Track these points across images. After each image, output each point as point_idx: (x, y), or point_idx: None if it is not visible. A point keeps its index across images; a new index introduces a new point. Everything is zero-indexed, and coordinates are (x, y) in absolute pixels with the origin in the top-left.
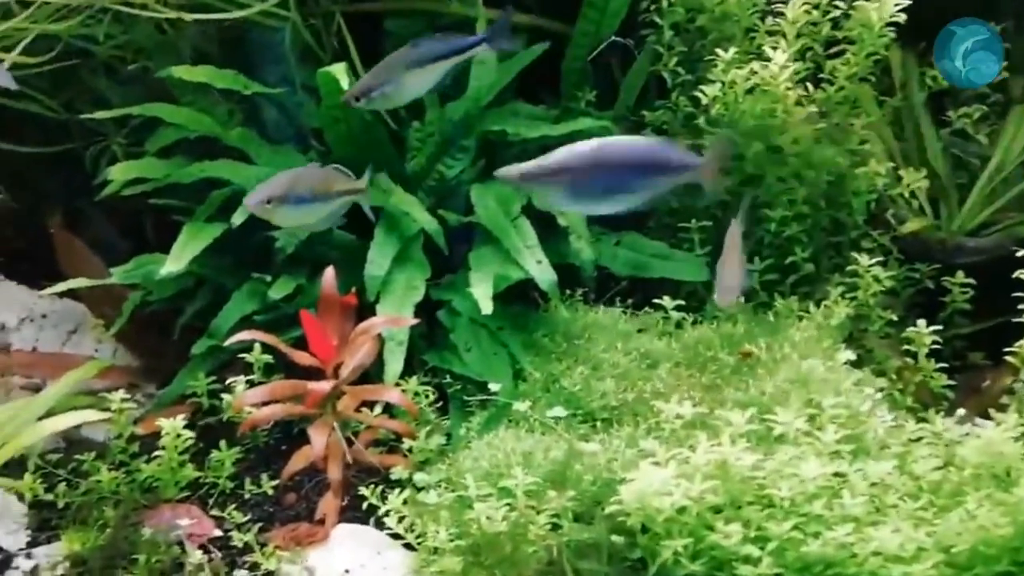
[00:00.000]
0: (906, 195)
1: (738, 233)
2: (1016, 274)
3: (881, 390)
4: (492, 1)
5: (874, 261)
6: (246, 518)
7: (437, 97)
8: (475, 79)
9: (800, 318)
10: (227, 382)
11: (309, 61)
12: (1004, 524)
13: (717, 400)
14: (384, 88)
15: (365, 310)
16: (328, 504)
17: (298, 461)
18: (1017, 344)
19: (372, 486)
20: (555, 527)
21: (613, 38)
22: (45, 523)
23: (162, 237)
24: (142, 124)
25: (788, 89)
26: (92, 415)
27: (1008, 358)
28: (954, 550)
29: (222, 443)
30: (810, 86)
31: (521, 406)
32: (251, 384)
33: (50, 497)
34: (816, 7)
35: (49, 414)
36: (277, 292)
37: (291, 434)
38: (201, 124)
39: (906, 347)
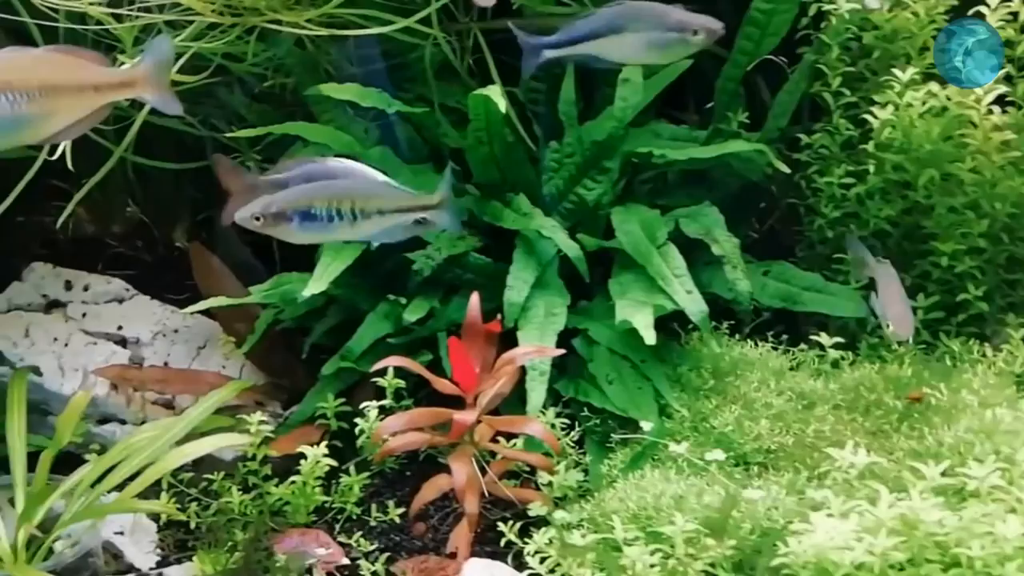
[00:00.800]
0: None
1: (893, 272)
2: None
3: None
4: None
5: None
6: (373, 546)
7: (576, 117)
8: (620, 98)
9: (977, 362)
10: (361, 406)
11: (446, 79)
12: None
13: (886, 448)
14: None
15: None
16: (461, 537)
17: (430, 491)
18: None
19: (509, 522)
20: None
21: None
22: (177, 543)
23: (288, 254)
24: (275, 141)
25: (988, 114)
26: (235, 439)
27: None
28: None
29: (350, 467)
30: (995, 108)
31: (677, 448)
32: (382, 409)
33: (181, 517)
34: (1014, 17)
35: (189, 435)
36: (412, 315)
37: (416, 459)
38: (342, 143)
39: None
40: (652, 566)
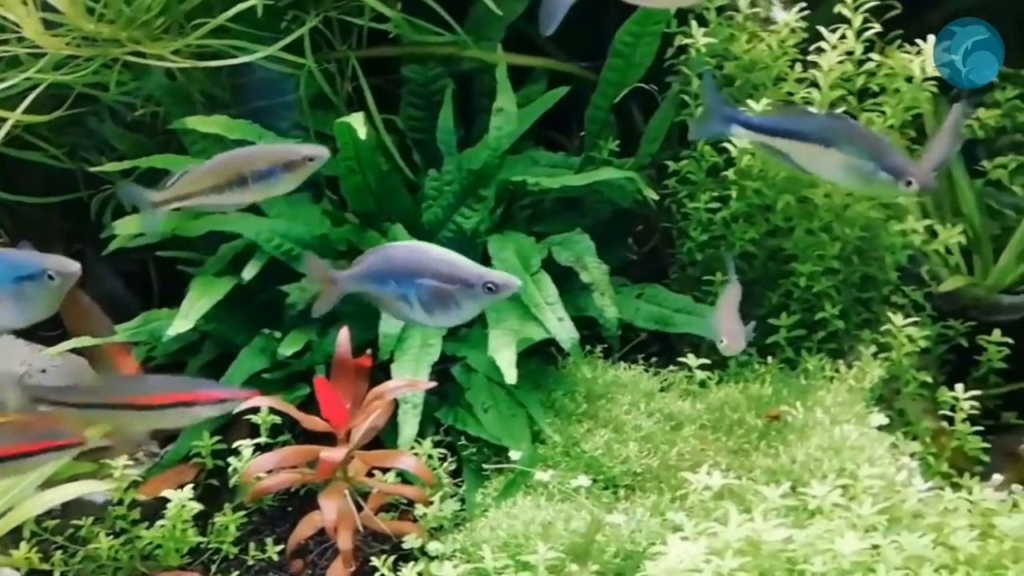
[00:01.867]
0: (941, 251)
1: (736, 291)
2: None
3: (914, 455)
4: (510, 46)
5: (909, 321)
6: None
7: (455, 145)
8: (495, 128)
9: (831, 379)
10: (234, 445)
11: (322, 107)
12: None
13: (745, 466)
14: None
15: (378, 368)
16: (338, 573)
17: (306, 528)
18: None
19: (384, 555)
20: None
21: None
22: None
23: (168, 286)
24: (149, 170)
25: None
26: (94, 485)
27: None
28: None
29: (226, 506)
30: None
31: (543, 475)
32: (258, 447)
33: (43, 566)
34: (850, 55)
35: (50, 481)
36: (287, 348)
37: (296, 495)
38: None
39: (941, 411)
40: None
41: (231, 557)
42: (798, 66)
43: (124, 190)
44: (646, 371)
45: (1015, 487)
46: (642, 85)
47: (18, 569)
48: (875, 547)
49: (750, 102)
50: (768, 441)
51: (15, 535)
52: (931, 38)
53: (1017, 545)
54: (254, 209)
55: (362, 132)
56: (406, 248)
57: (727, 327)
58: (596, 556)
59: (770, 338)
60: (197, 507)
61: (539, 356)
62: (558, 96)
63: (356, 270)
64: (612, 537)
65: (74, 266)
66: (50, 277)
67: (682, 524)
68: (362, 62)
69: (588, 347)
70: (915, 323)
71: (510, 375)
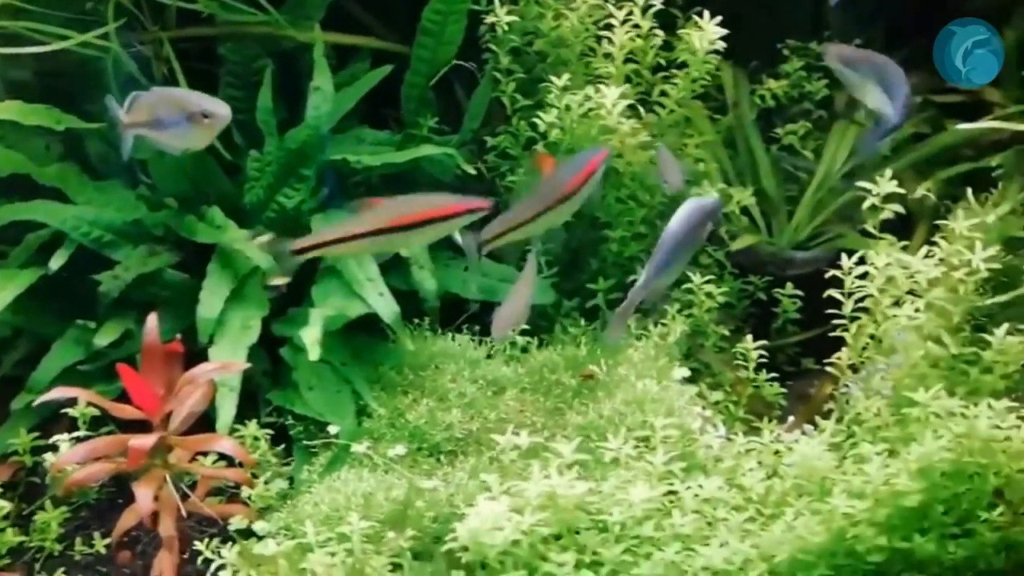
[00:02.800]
0: (737, 212)
1: (533, 266)
2: (829, 292)
3: (717, 404)
4: (329, 24)
5: (707, 278)
6: None
7: (275, 126)
8: (312, 107)
9: (639, 337)
10: (51, 440)
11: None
12: (820, 532)
13: (560, 424)
14: None
15: (200, 354)
16: (164, 561)
17: (129, 518)
18: (836, 355)
19: (208, 539)
20: (397, 567)
21: (455, 62)
22: None
23: None
24: None
25: (622, 118)
26: None
27: (829, 368)
28: (776, 559)
29: (47, 503)
30: (642, 109)
31: (359, 447)
32: (77, 440)
33: None
34: (639, 35)
35: None
36: (102, 339)
37: (125, 488)
38: (11, 162)
39: (738, 361)
40: (333, 567)
41: (56, 554)
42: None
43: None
44: (472, 340)
45: (807, 427)
46: (462, 63)
47: None
48: (671, 493)
49: (553, 78)
50: (581, 399)
51: None
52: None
53: (798, 482)
54: (59, 196)
55: None
56: None
57: (503, 312)
58: (415, 522)
59: (590, 302)
60: (7, 506)
61: (368, 332)
62: (380, 75)
63: None
64: (431, 502)
65: (225, 108)
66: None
67: (490, 485)
68: (180, 43)
69: (416, 320)
70: (712, 280)
71: (313, 352)
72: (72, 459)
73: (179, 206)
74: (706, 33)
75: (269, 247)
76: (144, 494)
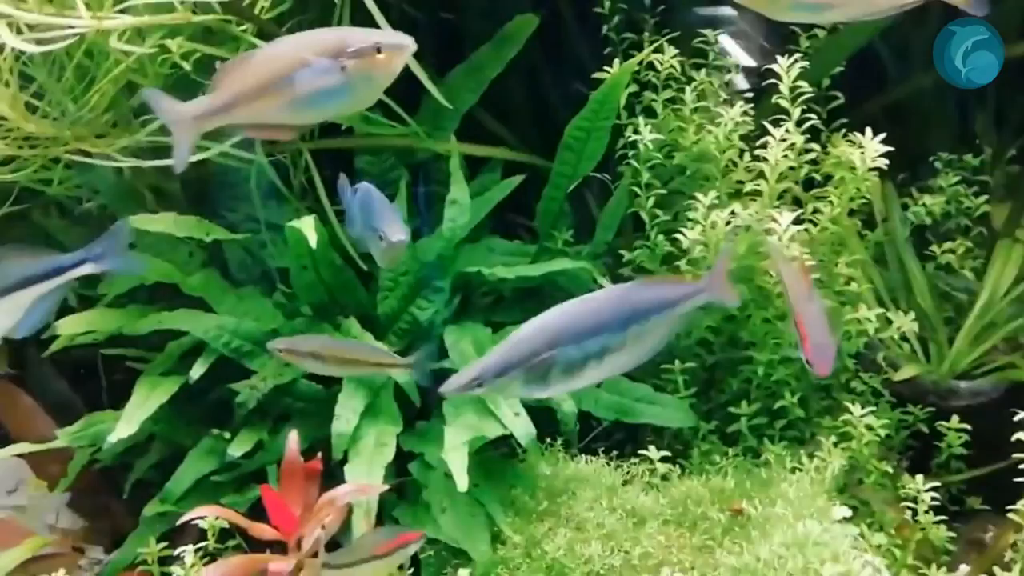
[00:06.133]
0: (896, 337)
1: (805, 273)
2: (1018, 436)
3: (879, 547)
4: (464, 135)
5: (867, 411)
6: None
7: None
8: (449, 219)
9: (793, 470)
10: (177, 551)
11: (275, 199)
12: None
13: (710, 564)
14: None
15: (334, 468)
16: None
17: None
18: (1021, 502)
19: None
20: None
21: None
22: None
23: (116, 384)
24: None
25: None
26: None
27: (1011, 515)
28: None
29: None
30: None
31: None
32: (205, 552)
33: None
34: (792, 147)
35: None
36: (236, 449)
37: None
38: (161, 271)
39: (904, 501)
40: None
41: None
42: (747, 156)
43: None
44: (607, 464)
45: None
46: (595, 174)
47: None
48: None
49: (698, 194)
50: (731, 537)
51: None
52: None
53: None
54: (202, 305)
55: (312, 239)
56: None
57: (815, 339)
58: None
59: (731, 426)
60: None
61: (498, 448)
62: (513, 185)
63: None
64: None
65: (407, 39)
66: (378, 50)
67: None
68: (315, 154)
69: (548, 440)
70: (873, 412)
71: (462, 482)
72: None
73: (314, 315)
74: (868, 150)
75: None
76: None
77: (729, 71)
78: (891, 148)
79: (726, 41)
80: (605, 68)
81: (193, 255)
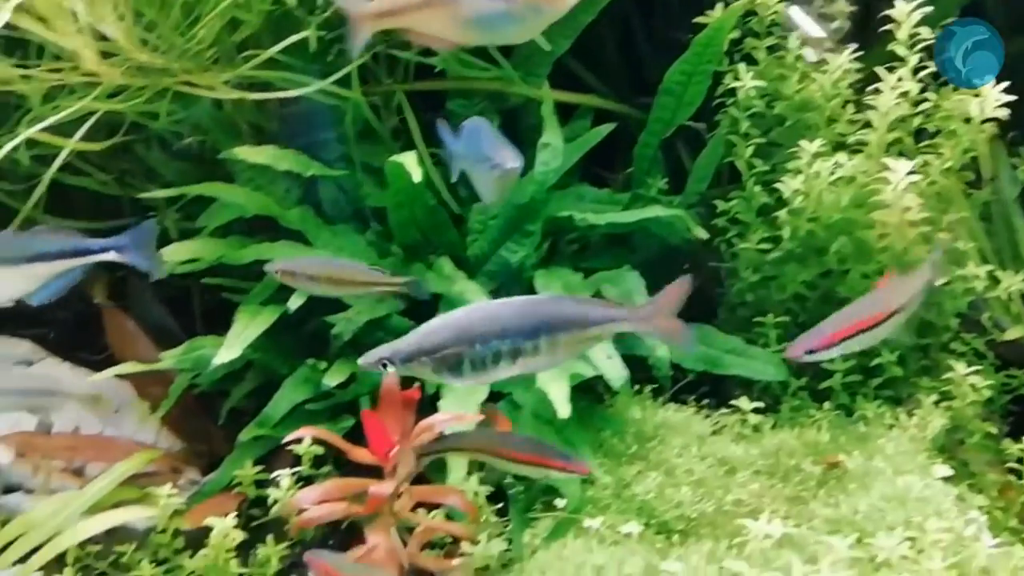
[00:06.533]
0: (1003, 298)
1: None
2: None
3: (981, 508)
4: (559, 82)
5: (972, 369)
6: None
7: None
8: (541, 163)
9: (891, 427)
10: (273, 475)
11: (369, 139)
12: None
13: (804, 515)
14: None
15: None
16: None
17: None
18: None
19: None
20: None
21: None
22: None
23: (209, 313)
24: (195, 199)
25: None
26: (139, 512)
27: None
28: None
29: (268, 537)
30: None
31: (593, 522)
32: (299, 477)
33: None
34: (905, 95)
35: (96, 506)
36: (332, 379)
37: (337, 528)
38: (260, 204)
39: (1006, 463)
40: None
41: None
42: (850, 107)
43: None
44: (697, 413)
45: None
46: (688, 123)
47: None
48: None
49: (803, 143)
50: (827, 490)
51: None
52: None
53: None
54: (300, 238)
55: (416, 174)
56: None
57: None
58: None
59: (823, 383)
60: (241, 536)
61: (588, 395)
62: (604, 133)
63: None
64: None
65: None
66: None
67: (742, 573)
68: (407, 96)
69: (636, 387)
70: (978, 372)
71: (563, 410)
72: (307, 500)
73: (406, 254)
74: (987, 100)
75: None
76: (377, 543)
77: (835, 19)
78: (1013, 97)
79: None
80: (706, 12)
81: (289, 191)
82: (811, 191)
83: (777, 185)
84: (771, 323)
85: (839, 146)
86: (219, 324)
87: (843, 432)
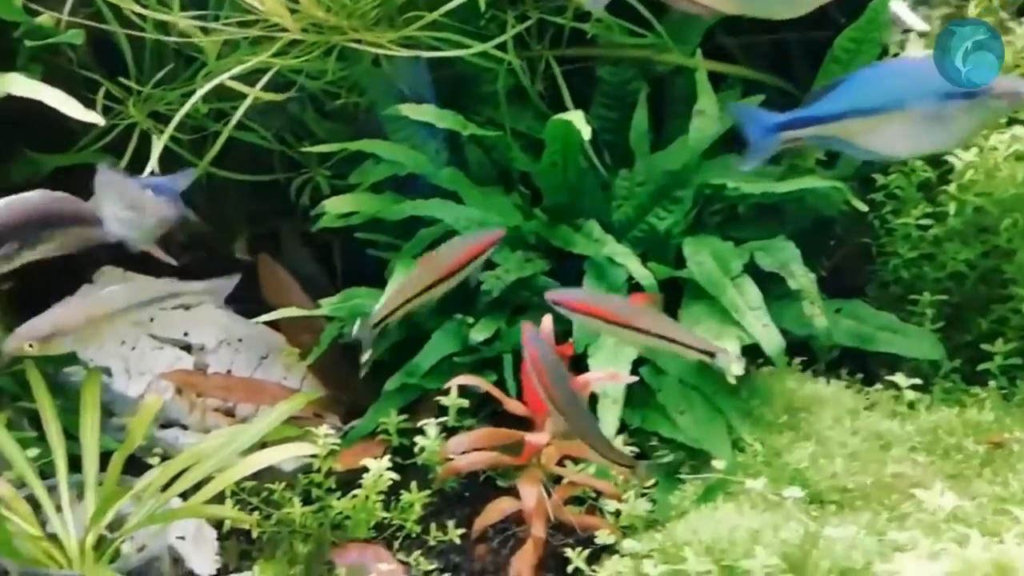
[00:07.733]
0: None
1: None
2: None
3: None
4: (711, 53)
5: None
6: (433, 566)
7: (648, 145)
8: (696, 129)
9: None
10: (421, 423)
11: (516, 103)
12: None
13: (968, 492)
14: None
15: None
16: (524, 562)
17: (493, 513)
18: None
19: (578, 548)
20: None
21: None
22: (237, 552)
23: (350, 268)
24: (345, 158)
25: None
26: (303, 449)
27: None
28: None
29: (412, 484)
30: None
31: (755, 484)
32: (444, 428)
33: (246, 524)
34: None
35: (255, 444)
36: (479, 334)
37: (476, 480)
38: (417, 162)
39: None
40: None
41: (413, 536)
42: None
43: None
44: (848, 387)
45: None
46: None
47: (219, 527)
48: None
49: None
50: (993, 469)
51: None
52: None
53: None
54: (452, 196)
55: (586, 132)
56: None
57: None
58: (811, 570)
59: (980, 365)
60: (394, 478)
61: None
62: (757, 101)
63: None
64: (826, 552)
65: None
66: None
67: (912, 542)
68: (558, 60)
69: (786, 359)
70: None
71: (738, 367)
72: (459, 447)
73: (551, 216)
74: None
75: (359, 331)
76: (529, 492)
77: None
78: None
79: None
80: None
81: (439, 152)
82: (985, 165)
83: (947, 158)
84: (927, 302)
85: (1012, 121)
86: (359, 280)
87: (1007, 413)
